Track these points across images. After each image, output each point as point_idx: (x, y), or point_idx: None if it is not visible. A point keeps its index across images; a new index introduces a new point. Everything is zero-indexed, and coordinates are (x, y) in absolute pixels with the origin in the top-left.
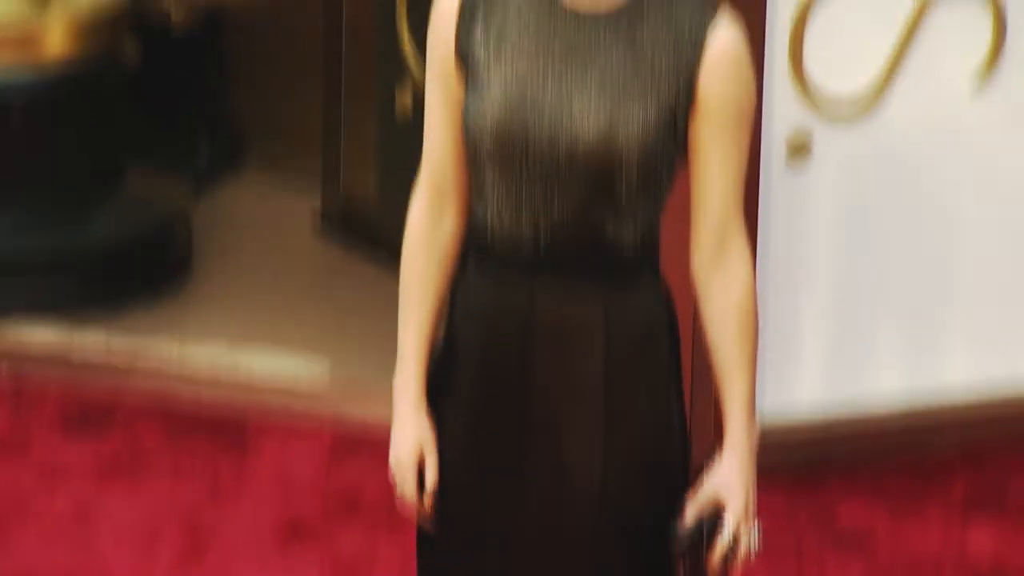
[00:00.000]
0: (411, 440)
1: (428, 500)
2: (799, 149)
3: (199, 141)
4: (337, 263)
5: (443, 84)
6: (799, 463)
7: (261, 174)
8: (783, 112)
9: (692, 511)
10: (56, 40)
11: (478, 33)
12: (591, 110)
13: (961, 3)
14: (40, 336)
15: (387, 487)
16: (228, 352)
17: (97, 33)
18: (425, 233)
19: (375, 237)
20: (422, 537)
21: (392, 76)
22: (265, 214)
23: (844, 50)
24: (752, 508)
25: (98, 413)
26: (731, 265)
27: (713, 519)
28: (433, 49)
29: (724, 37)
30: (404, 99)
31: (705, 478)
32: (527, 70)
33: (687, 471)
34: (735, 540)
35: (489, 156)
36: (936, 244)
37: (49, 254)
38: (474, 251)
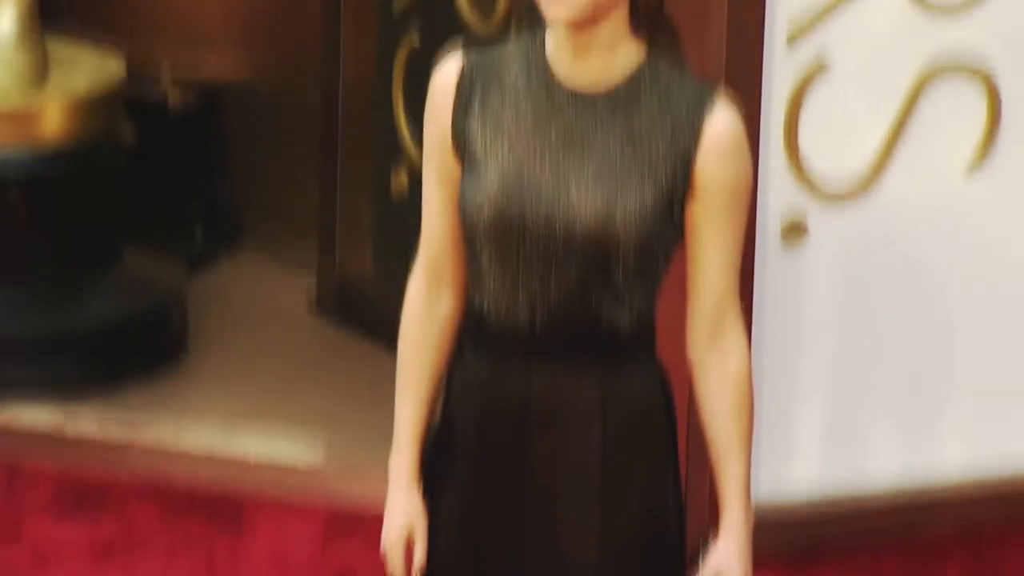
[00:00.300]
0: (400, 521)
1: None
2: (794, 230)
3: (195, 221)
4: (333, 343)
5: (439, 165)
6: (795, 544)
7: (257, 254)
8: (778, 193)
9: None
10: (53, 120)
11: (475, 115)
12: (588, 194)
13: (956, 85)
14: (35, 415)
15: (382, 567)
16: (224, 432)
17: (94, 113)
18: (422, 313)
19: (371, 317)
20: None
21: (388, 157)
22: (261, 294)
23: (839, 132)
24: None
25: (93, 493)
26: (727, 347)
27: None
28: (429, 130)
29: (722, 120)
30: (400, 180)
31: (703, 560)
32: (524, 153)
33: (683, 553)
34: None
35: (486, 238)
36: (931, 325)
37: (44, 333)
38: (470, 331)
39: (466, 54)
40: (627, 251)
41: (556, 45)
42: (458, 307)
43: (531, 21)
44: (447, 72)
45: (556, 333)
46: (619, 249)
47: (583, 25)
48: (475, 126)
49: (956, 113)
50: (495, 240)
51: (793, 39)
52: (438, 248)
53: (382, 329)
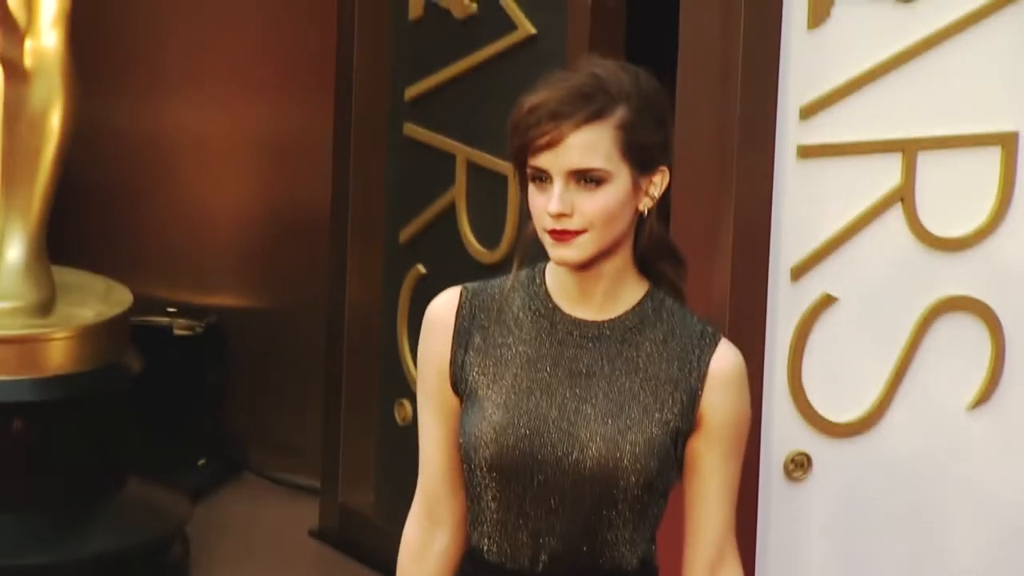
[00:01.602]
0: None
1: None
2: (797, 465)
3: (198, 449)
4: (335, 573)
5: (437, 401)
6: None
7: (260, 483)
8: (782, 428)
9: None
10: (58, 348)
11: (475, 349)
12: (597, 430)
13: (960, 322)
14: None
15: None
16: None
17: (100, 342)
18: (417, 553)
19: (373, 548)
20: None
21: (392, 386)
22: (263, 523)
23: (842, 367)
24: None
25: None
26: None
27: None
28: (426, 365)
29: (726, 357)
30: (404, 409)
31: None
32: (529, 388)
33: None
34: None
35: (489, 475)
36: (932, 562)
37: (45, 562)
38: (465, 571)
39: (464, 287)
40: (635, 487)
41: (559, 278)
42: (457, 546)
43: (534, 254)
44: (444, 305)
45: (559, 574)
46: (627, 485)
47: (588, 265)
48: (476, 360)
49: (960, 350)
50: (499, 477)
51: (797, 276)
52: (435, 485)
53: (384, 559)
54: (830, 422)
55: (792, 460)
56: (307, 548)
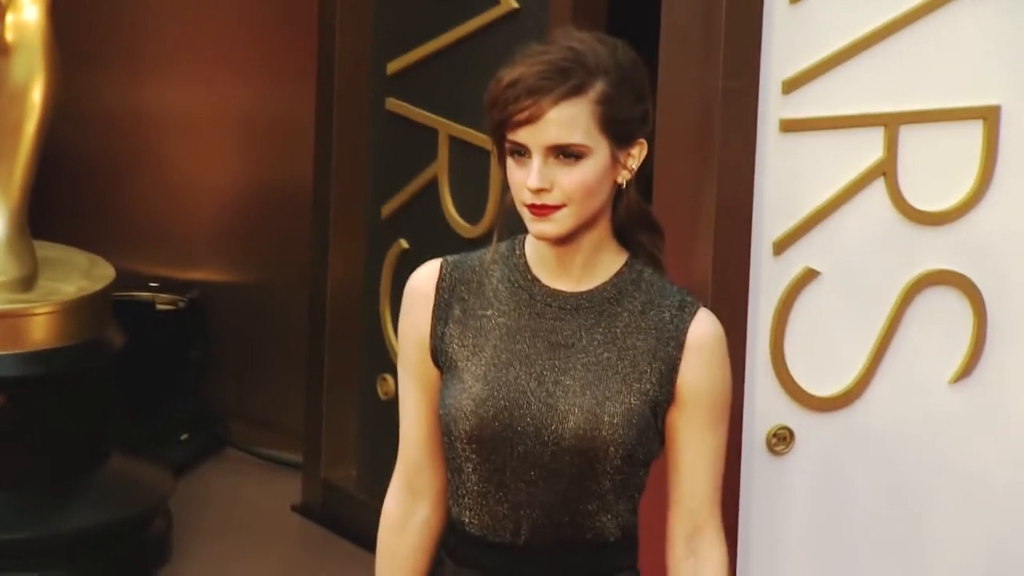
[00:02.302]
0: None
1: None
2: (780, 438)
3: (181, 425)
4: (317, 548)
5: (418, 374)
6: None
7: (242, 458)
8: (764, 401)
9: None
10: (40, 323)
11: (456, 322)
12: (576, 403)
13: (942, 295)
14: None
15: None
16: None
17: (82, 317)
18: (397, 526)
19: (356, 522)
20: None
21: (374, 361)
22: (245, 498)
23: (825, 341)
24: None
25: None
26: (708, 556)
27: None
28: (406, 338)
29: (705, 327)
30: (386, 384)
31: None
32: (508, 360)
33: None
34: None
35: (470, 448)
36: (914, 537)
37: (27, 537)
38: (448, 544)
39: (444, 259)
40: (614, 457)
41: (538, 250)
42: (437, 518)
43: (513, 227)
44: (424, 278)
45: (541, 545)
46: (606, 456)
47: (567, 238)
48: (456, 333)
49: (942, 324)
50: (479, 450)
51: (779, 250)
52: (415, 458)
53: (367, 534)
54: (812, 396)
55: (774, 434)
56: (290, 523)
